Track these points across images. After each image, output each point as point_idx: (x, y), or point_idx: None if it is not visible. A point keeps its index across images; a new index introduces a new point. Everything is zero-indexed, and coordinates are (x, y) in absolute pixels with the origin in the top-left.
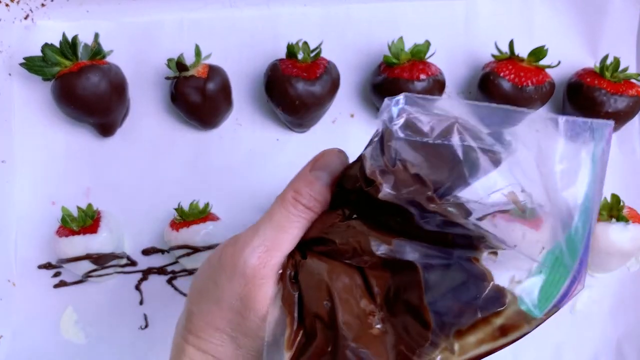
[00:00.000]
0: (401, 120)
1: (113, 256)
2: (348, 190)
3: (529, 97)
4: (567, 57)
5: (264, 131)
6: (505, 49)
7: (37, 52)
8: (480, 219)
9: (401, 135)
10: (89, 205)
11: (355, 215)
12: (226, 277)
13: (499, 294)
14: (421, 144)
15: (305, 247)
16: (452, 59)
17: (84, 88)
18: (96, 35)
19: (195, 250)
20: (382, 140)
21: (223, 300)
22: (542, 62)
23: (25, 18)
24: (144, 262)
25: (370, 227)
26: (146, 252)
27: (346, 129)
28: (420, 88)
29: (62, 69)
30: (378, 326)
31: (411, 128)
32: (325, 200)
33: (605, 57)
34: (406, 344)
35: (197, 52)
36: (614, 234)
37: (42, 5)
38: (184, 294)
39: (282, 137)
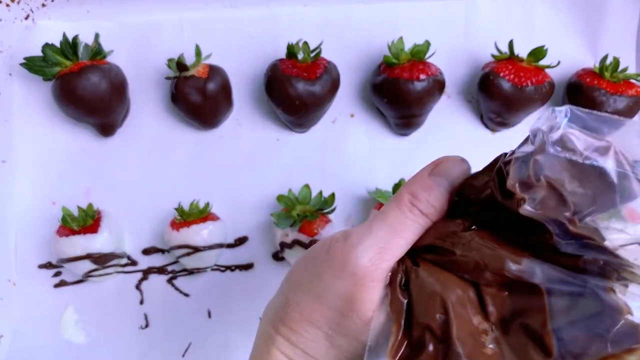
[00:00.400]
0: (557, 135)
1: (113, 256)
2: (468, 201)
3: (528, 97)
4: (567, 57)
5: (264, 131)
6: (505, 49)
7: (38, 52)
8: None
9: (553, 150)
10: (90, 205)
11: (473, 227)
12: (333, 273)
13: (634, 330)
14: (571, 163)
15: (415, 253)
16: (452, 59)
17: (84, 88)
18: (96, 36)
19: (195, 250)
20: (531, 153)
21: (325, 296)
22: (542, 62)
23: (26, 18)
24: (144, 262)
25: (497, 242)
26: (146, 251)
27: (346, 129)
28: (420, 88)
29: (62, 69)
30: (491, 346)
31: (564, 144)
32: (443, 208)
33: (605, 57)
34: None
35: (198, 52)
36: None
37: (43, 5)
38: (184, 294)
39: (282, 137)
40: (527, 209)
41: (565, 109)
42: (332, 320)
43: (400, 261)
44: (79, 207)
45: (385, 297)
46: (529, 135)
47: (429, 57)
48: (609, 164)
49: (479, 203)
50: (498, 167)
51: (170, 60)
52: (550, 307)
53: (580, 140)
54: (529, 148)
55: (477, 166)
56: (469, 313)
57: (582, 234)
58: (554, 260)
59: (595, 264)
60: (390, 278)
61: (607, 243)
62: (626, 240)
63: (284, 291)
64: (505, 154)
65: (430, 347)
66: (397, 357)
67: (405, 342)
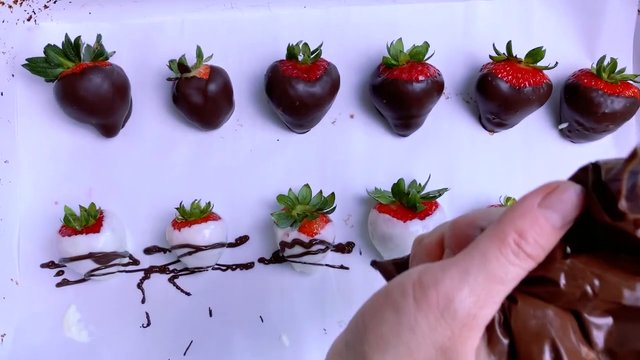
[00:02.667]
0: None
1: (115, 255)
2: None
3: (526, 98)
4: (565, 58)
5: (265, 132)
6: (503, 50)
7: (40, 54)
8: None
9: None
10: (92, 205)
11: (569, 250)
12: (428, 324)
13: None
14: None
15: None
16: (450, 60)
17: (86, 89)
18: (98, 37)
19: (196, 249)
20: None
21: (420, 351)
22: (540, 64)
23: (28, 20)
24: (146, 261)
25: (603, 267)
26: (148, 251)
27: (346, 130)
28: (419, 89)
29: (64, 70)
30: None
31: None
32: (550, 249)
33: (602, 58)
34: None
35: (199, 54)
36: None
37: (45, 7)
38: (186, 293)
39: (282, 138)
40: None
41: None
42: None
43: None
44: (81, 207)
45: (483, 342)
46: (635, 149)
47: (428, 58)
48: None
49: (579, 223)
50: (598, 184)
51: (171, 61)
52: None
53: None
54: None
55: (475, 166)
56: (576, 346)
57: None
58: None
59: None
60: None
61: None
62: None
63: (361, 350)
64: (594, 165)
65: None
66: None
67: None
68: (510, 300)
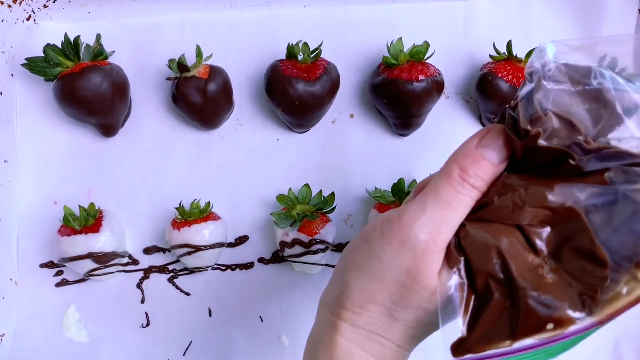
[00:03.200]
0: (550, 69)
1: (115, 255)
2: None
3: None
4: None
5: (265, 131)
6: (503, 50)
7: (40, 53)
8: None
9: (550, 85)
10: (91, 205)
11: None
12: (392, 252)
13: None
14: (569, 92)
15: None
16: (451, 60)
17: (86, 89)
18: (98, 36)
19: (196, 249)
20: (532, 92)
21: (386, 274)
22: None
23: (28, 19)
24: (146, 261)
25: (526, 179)
26: (148, 251)
27: (346, 130)
28: (419, 89)
29: (64, 70)
30: (550, 276)
31: (558, 77)
32: (492, 180)
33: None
34: (586, 286)
35: (199, 53)
36: None
37: (45, 6)
38: (186, 293)
39: (282, 138)
40: (543, 142)
41: (551, 44)
42: (395, 295)
43: None
44: (80, 207)
45: (444, 264)
46: (526, 78)
47: (428, 58)
48: (604, 84)
49: None
50: (507, 114)
51: (171, 61)
52: (592, 224)
53: (571, 69)
54: (528, 88)
55: None
56: (522, 253)
57: (600, 147)
58: (581, 182)
59: (620, 174)
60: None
61: (624, 146)
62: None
63: (341, 277)
64: (509, 105)
65: (497, 294)
66: (470, 311)
67: (473, 296)
68: (462, 227)
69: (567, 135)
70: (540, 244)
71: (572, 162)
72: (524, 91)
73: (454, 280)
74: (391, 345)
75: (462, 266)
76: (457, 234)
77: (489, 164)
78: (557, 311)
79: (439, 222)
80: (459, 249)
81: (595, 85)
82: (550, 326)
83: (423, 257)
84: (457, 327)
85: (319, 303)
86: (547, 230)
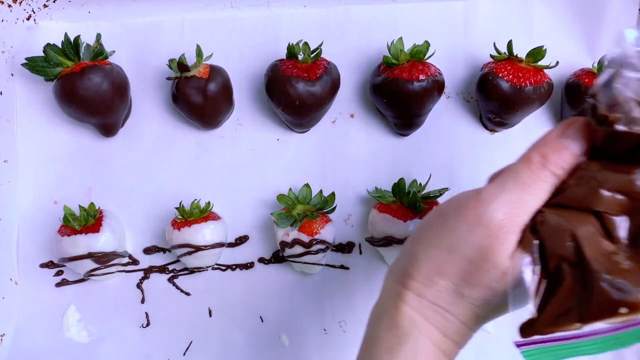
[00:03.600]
0: (630, 56)
1: (115, 255)
2: None
3: (527, 97)
4: (566, 58)
5: (265, 131)
6: (504, 49)
7: (40, 53)
8: None
9: (630, 73)
10: (91, 205)
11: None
12: (467, 227)
13: None
14: None
15: None
16: (451, 60)
17: (85, 88)
18: (98, 36)
19: (196, 249)
20: (611, 78)
21: (458, 248)
22: (541, 63)
23: (28, 19)
24: (146, 261)
25: (604, 166)
26: (148, 251)
27: (346, 129)
28: (419, 88)
29: (64, 70)
30: (625, 262)
31: (638, 63)
32: (571, 169)
33: (603, 58)
34: None
35: (198, 53)
36: None
37: (45, 6)
38: (185, 293)
39: (282, 137)
40: (621, 127)
41: (631, 29)
42: (464, 270)
43: None
44: (80, 207)
45: (518, 246)
46: (606, 66)
47: (429, 57)
48: None
49: None
50: (587, 102)
51: (171, 60)
52: None
53: None
54: (607, 75)
55: (475, 166)
56: (596, 238)
57: None
58: None
59: None
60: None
61: None
62: None
63: (411, 248)
64: (589, 93)
65: (568, 276)
66: (540, 293)
67: (544, 279)
68: (538, 212)
69: None
70: (617, 231)
71: None
72: (602, 78)
73: (527, 262)
74: (455, 320)
75: (535, 248)
76: (533, 218)
77: (569, 153)
78: (631, 295)
79: (516, 203)
80: (532, 232)
81: None
82: (623, 310)
83: (497, 236)
84: (525, 309)
85: (385, 275)
86: (624, 218)
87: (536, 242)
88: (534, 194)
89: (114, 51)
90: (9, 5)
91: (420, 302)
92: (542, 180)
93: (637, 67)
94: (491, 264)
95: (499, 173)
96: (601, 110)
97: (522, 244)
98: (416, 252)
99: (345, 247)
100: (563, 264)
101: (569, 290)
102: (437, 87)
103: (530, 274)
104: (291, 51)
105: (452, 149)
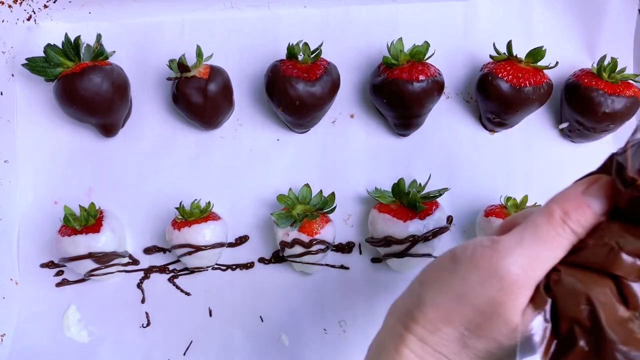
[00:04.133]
0: None
1: (115, 255)
2: None
3: (527, 97)
4: (565, 58)
5: (265, 131)
6: (503, 49)
7: (40, 53)
8: None
9: None
10: (92, 205)
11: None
12: (479, 277)
13: None
14: None
15: None
16: (451, 60)
17: (86, 89)
18: (98, 36)
19: (196, 249)
20: None
21: (467, 298)
22: (540, 63)
23: (28, 19)
24: (146, 261)
25: (626, 229)
26: (148, 251)
27: (346, 130)
28: (419, 89)
29: (64, 70)
30: None
31: None
32: (592, 227)
33: (603, 58)
34: None
35: (199, 53)
36: None
37: (45, 6)
38: (186, 293)
39: (282, 137)
40: None
41: None
42: (472, 322)
43: None
44: (81, 207)
45: (530, 302)
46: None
47: (428, 58)
48: None
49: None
50: (614, 160)
51: (171, 61)
52: None
53: None
54: None
55: (475, 166)
56: (613, 304)
57: None
58: None
59: None
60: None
61: None
62: None
63: (419, 290)
64: (617, 150)
65: (581, 341)
66: (550, 355)
67: (555, 341)
68: (554, 270)
69: None
70: (634, 298)
71: None
72: (635, 137)
73: (538, 321)
74: None
75: (548, 307)
76: (548, 276)
77: (591, 212)
78: None
79: (533, 258)
80: (547, 290)
81: None
82: None
83: (511, 290)
84: None
85: (388, 311)
86: None
87: (549, 300)
88: (552, 250)
89: (114, 51)
90: (9, 6)
91: (423, 349)
92: (562, 237)
93: None
94: (502, 318)
95: (514, 220)
96: (630, 173)
97: (535, 301)
98: (423, 295)
99: (345, 247)
100: (576, 327)
101: (581, 356)
102: (436, 87)
103: (540, 333)
104: (291, 51)
105: (452, 149)
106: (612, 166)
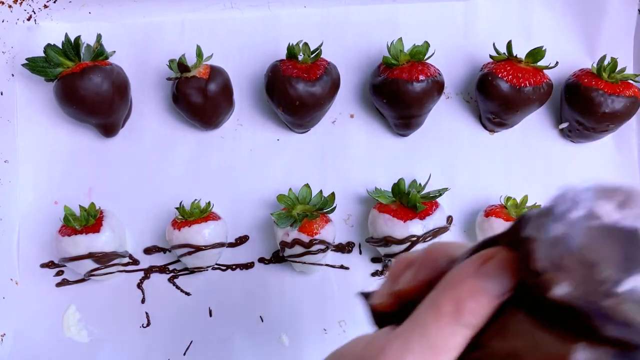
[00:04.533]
0: (585, 209)
1: (115, 255)
2: None
3: (526, 97)
4: (565, 58)
5: (265, 131)
6: (503, 50)
7: (40, 53)
8: None
9: (577, 219)
10: (92, 205)
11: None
12: None
13: None
14: (599, 230)
15: None
16: (451, 60)
17: (86, 89)
18: (98, 36)
19: (196, 249)
20: (556, 224)
21: None
22: (540, 63)
23: (28, 19)
24: (146, 261)
25: (534, 324)
26: (148, 251)
27: (346, 130)
28: (419, 89)
29: (64, 70)
30: None
31: (590, 215)
32: (491, 311)
33: (603, 58)
34: None
35: (199, 53)
36: None
37: (45, 6)
38: (186, 293)
39: (282, 137)
40: (557, 292)
41: (590, 188)
42: None
43: None
44: (81, 207)
45: None
46: (552, 202)
47: (428, 58)
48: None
49: None
50: (521, 239)
51: (171, 61)
52: None
53: (605, 208)
54: (552, 219)
55: (475, 166)
56: None
57: (625, 318)
58: (607, 342)
59: None
60: None
61: None
62: None
63: None
64: (523, 217)
65: None
66: None
67: None
68: None
69: (587, 286)
70: None
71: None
72: (545, 220)
73: None
74: None
75: None
76: None
77: (488, 298)
78: None
79: None
80: None
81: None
82: None
83: None
84: None
85: None
86: None
87: None
88: (446, 354)
89: (114, 51)
90: (10, 6)
91: None
92: (456, 335)
93: (590, 215)
94: None
95: (445, 249)
96: (538, 266)
97: None
98: None
99: (345, 247)
100: None
101: None
102: (436, 87)
103: None
104: (291, 51)
105: (452, 149)
106: (520, 246)
